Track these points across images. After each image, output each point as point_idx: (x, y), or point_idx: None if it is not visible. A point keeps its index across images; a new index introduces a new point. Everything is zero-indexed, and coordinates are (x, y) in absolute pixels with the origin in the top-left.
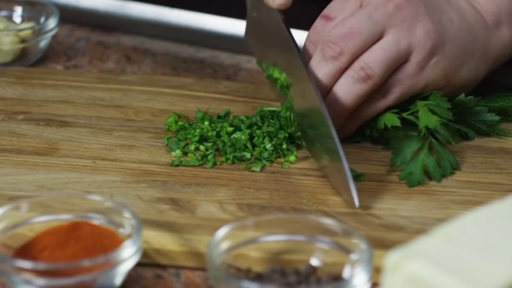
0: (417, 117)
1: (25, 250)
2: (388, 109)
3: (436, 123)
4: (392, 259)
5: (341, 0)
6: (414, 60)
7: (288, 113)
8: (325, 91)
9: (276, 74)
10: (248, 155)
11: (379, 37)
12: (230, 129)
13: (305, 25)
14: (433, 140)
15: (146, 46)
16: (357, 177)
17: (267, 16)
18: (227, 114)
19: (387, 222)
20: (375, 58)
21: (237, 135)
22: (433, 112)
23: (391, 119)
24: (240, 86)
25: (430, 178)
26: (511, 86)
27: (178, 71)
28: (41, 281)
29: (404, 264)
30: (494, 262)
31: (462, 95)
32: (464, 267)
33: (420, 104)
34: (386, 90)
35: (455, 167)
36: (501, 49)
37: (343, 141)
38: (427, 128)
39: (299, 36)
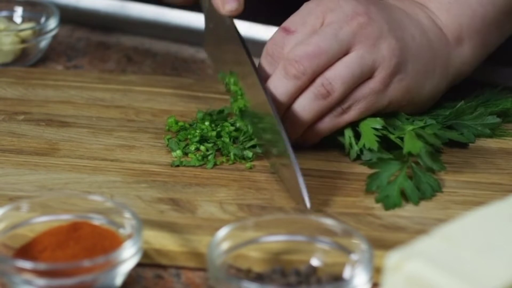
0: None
1: (26, 251)
2: (352, 123)
3: (419, 149)
4: (392, 259)
5: (303, 14)
6: (379, 76)
7: (243, 124)
8: (284, 108)
9: (232, 85)
10: (249, 154)
11: (343, 55)
12: (231, 128)
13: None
14: (413, 164)
15: (147, 47)
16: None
17: (221, 25)
18: (227, 114)
19: (387, 222)
20: (337, 75)
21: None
22: (420, 136)
23: (371, 141)
24: None
25: (407, 200)
26: (511, 86)
27: (178, 71)
28: (41, 281)
29: (405, 265)
30: (494, 262)
31: (462, 102)
32: (464, 267)
33: (407, 127)
34: (349, 105)
35: (436, 190)
36: (461, 66)
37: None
38: (409, 154)
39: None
